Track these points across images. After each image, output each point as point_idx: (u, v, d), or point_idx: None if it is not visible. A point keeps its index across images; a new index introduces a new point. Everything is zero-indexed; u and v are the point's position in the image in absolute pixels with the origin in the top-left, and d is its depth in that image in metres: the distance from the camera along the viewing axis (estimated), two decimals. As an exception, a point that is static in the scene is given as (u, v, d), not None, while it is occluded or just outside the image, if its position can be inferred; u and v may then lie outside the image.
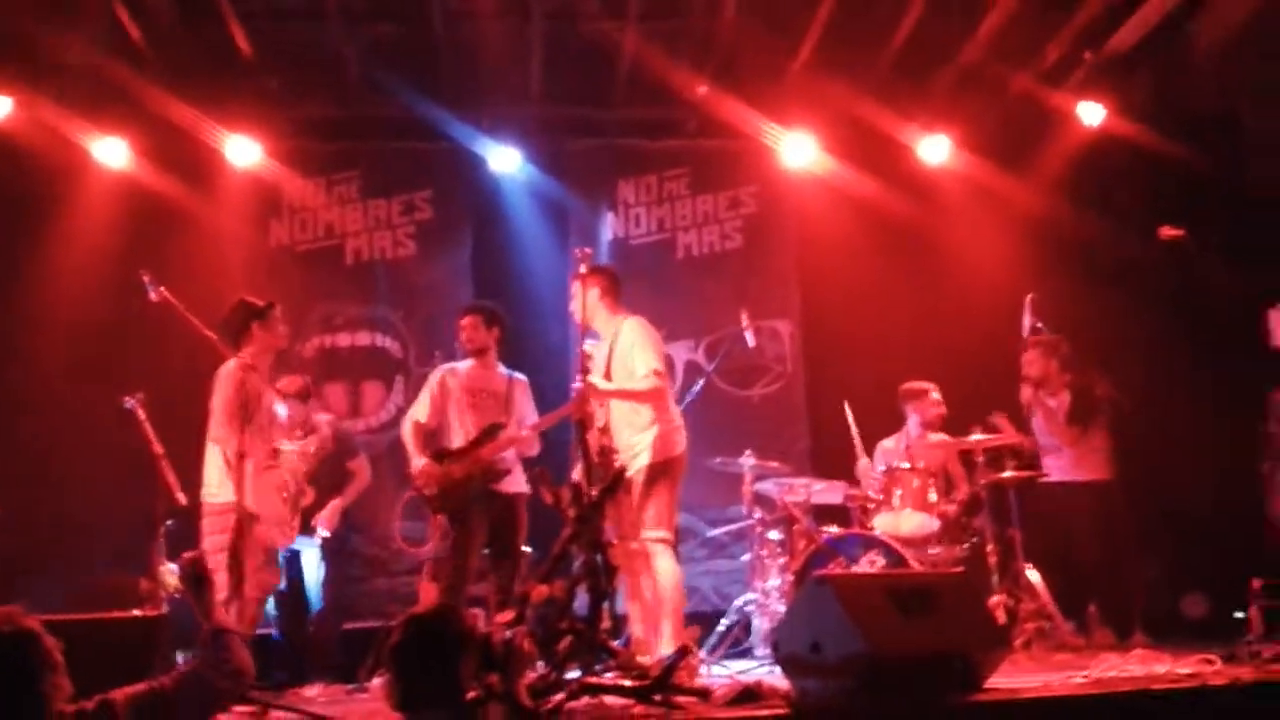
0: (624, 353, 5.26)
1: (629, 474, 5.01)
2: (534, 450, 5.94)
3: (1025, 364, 6.46)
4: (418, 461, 5.85)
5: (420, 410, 6.00)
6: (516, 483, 5.92)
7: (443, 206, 7.86)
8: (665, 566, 5.04)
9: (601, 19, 7.21)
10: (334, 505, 6.23)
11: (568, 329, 7.35)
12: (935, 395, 6.81)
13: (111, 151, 7.17)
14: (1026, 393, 6.40)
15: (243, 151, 7.39)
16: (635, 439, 5.16)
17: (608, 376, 5.23)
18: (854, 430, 6.61)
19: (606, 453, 5.01)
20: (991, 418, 6.38)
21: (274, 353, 5.58)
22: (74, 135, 7.04)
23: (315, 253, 7.74)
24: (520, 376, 6.13)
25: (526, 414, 6.03)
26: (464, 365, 6.11)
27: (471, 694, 3.04)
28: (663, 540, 5.08)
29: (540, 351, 7.29)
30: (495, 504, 5.83)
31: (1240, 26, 7.04)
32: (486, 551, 6.01)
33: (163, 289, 4.91)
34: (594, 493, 4.60)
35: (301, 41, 7.09)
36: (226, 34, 6.86)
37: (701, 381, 6.59)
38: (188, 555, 3.52)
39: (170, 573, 5.47)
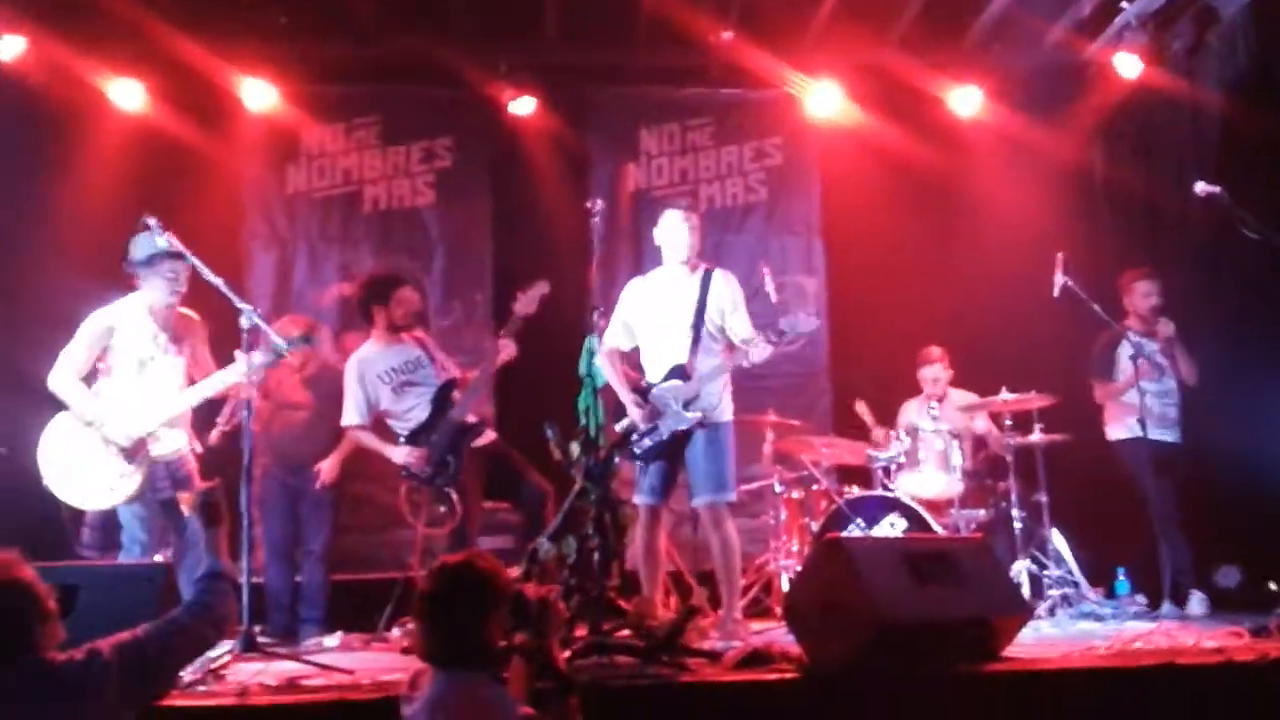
0: (723, 308, 5.27)
1: (709, 427, 5.10)
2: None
3: (1143, 295, 6.28)
4: (398, 451, 5.75)
5: (355, 414, 5.83)
6: (487, 433, 5.87)
7: (463, 154, 7.69)
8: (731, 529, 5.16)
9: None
10: (333, 457, 6.13)
11: (585, 281, 7.21)
12: (940, 360, 6.73)
13: (127, 93, 7.04)
14: (1144, 326, 6.25)
15: (259, 95, 7.24)
16: (720, 395, 5.22)
17: (698, 322, 5.22)
18: (868, 419, 6.73)
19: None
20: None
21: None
22: (88, 76, 6.91)
23: (333, 199, 7.61)
24: (418, 332, 6.04)
25: (445, 359, 6.01)
26: (374, 350, 5.91)
27: (501, 647, 2.94)
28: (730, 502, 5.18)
29: (556, 303, 7.15)
30: (479, 459, 5.75)
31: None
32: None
33: (169, 233, 4.78)
34: (603, 449, 4.52)
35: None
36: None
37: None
38: (202, 485, 3.43)
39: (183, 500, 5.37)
